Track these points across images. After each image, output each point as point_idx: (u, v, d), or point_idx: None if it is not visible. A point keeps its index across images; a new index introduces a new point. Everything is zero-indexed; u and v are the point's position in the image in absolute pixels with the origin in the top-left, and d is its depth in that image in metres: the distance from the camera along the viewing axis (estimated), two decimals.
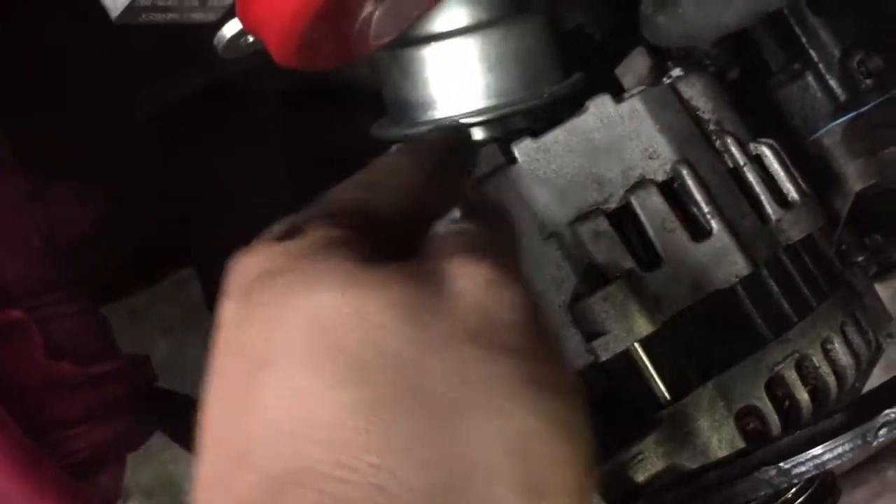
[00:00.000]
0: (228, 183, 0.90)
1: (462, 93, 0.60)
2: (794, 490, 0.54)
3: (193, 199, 0.90)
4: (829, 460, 0.41)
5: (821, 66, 0.74)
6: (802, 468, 0.41)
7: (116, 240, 0.79)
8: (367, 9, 0.51)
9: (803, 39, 0.74)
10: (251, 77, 0.85)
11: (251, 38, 0.53)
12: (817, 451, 0.41)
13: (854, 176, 0.74)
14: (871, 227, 0.78)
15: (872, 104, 0.71)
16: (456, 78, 0.60)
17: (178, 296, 1.43)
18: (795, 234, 0.55)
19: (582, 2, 0.72)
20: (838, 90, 0.74)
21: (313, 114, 0.93)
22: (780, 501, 0.54)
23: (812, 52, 0.73)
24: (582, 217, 0.52)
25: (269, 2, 0.45)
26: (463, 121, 0.60)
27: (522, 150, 0.54)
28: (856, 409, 0.41)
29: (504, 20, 0.60)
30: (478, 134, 0.61)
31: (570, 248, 0.52)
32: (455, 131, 0.57)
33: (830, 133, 0.74)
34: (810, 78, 0.74)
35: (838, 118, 0.74)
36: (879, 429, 0.39)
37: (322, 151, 0.94)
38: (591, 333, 0.50)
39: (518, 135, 0.58)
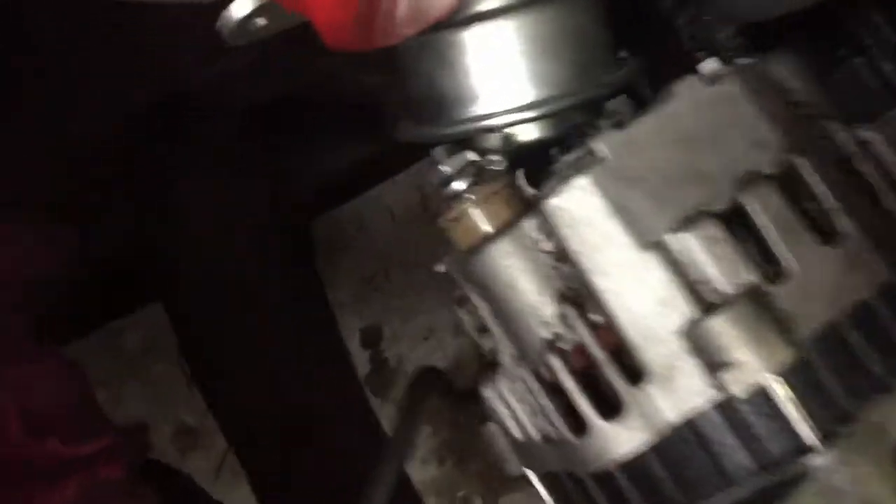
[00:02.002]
0: (191, 208, 0.81)
1: (509, 84, 0.51)
2: None
3: (155, 228, 0.82)
4: None
5: (874, 50, 0.67)
6: None
7: (80, 278, 0.68)
8: None
9: (849, 22, 0.67)
10: (216, 92, 0.78)
11: (261, 21, 0.44)
12: None
13: None
14: None
15: None
16: (501, 66, 0.51)
17: (114, 346, 1.34)
18: None
19: None
20: (893, 74, 0.67)
21: (273, 134, 0.85)
22: None
23: (863, 36, 0.67)
24: (688, 222, 0.43)
25: None
26: (515, 117, 0.51)
27: (609, 143, 0.45)
28: None
29: None
30: (529, 133, 0.52)
31: (676, 262, 0.43)
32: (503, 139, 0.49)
33: (891, 124, 0.67)
34: (858, 63, 0.68)
35: None
36: None
37: (281, 173, 0.87)
38: (717, 363, 0.41)
39: (574, 131, 0.50)
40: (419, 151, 0.54)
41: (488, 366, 0.52)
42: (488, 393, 0.51)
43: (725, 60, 0.49)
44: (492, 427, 0.53)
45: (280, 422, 0.83)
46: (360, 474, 0.52)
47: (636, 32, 0.55)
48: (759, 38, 0.67)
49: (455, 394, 0.59)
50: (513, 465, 0.52)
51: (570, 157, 0.47)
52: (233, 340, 0.83)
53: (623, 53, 0.54)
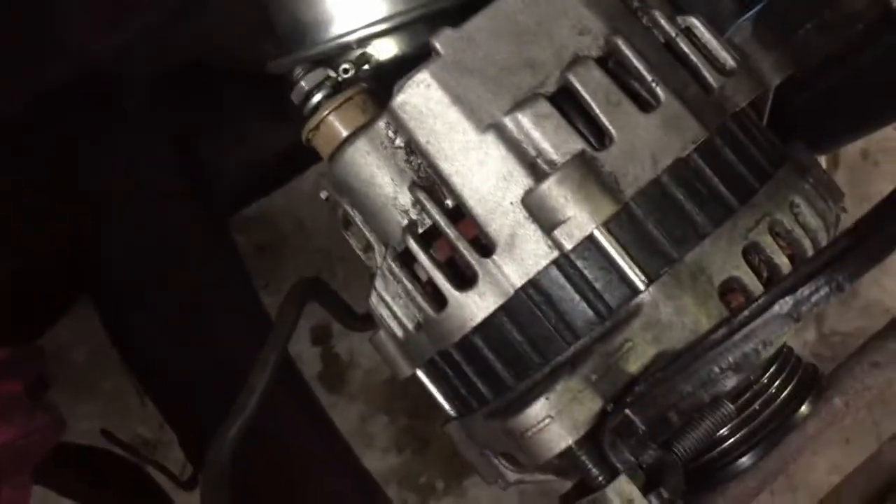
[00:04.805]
0: (111, 183, 0.82)
1: (360, 3, 0.55)
2: (776, 384, 0.51)
3: (79, 213, 0.82)
4: (842, 281, 0.37)
5: None
6: (820, 293, 0.37)
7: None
8: None
9: None
10: (123, 63, 0.78)
11: None
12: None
13: (771, 70, 0.72)
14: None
15: None
16: None
17: (60, 364, 1.34)
18: (741, 99, 0.51)
19: None
20: None
21: (180, 100, 0.86)
22: (764, 396, 0.51)
23: None
24: (520, 104, 0.47)
25: None
26: (366, 32, 0.54)
27: (443, 40, 0.48)
28: (863, 227, 0.37)
29: None
30: (385, 49, 0.56)
31: (512, 139, 0.47)
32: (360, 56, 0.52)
33: (740, 30, 0.72)
34: None
35: (745, 14, 0.72)
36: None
37: (188, 139, 0.88)
38: (551, 224, 0.45)
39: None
40: None
41: (371, 279, 0.55)
42: (372, 300, 0.54)
43: None
44: (381, 335, 0.56)
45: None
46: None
47: None
48: None
49: (348, 312, 0.62)
50: (403, 367, 0.55)
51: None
52: (153, 305, 0.83)
53: None
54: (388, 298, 0.53)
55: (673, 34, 0.52)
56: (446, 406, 0.55)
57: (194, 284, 0.85)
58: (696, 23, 0.53)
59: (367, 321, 0.61)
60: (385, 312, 0.54)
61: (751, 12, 0.72)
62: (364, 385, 1.65)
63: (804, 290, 0.37)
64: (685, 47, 0.52)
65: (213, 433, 0.62)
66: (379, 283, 0.53)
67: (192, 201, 0.86)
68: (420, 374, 0.55)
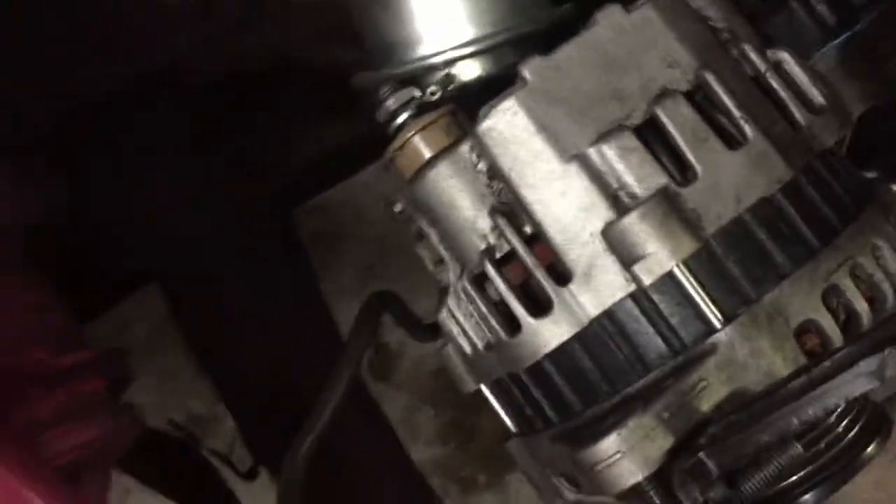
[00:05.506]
0: (147, 191, 0.84)
1: (448, 25, 0.55)
2: (844, 424, 0.50)
3: (112, 214, 0.84)
4: None
5: None
6: None
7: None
8: None
9: None
10: (183, 65, 0.80)
11: None
12: None
13: (854, 99, 0.71)
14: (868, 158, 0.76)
15: (867, 19, 0.68)
16: (440, 9, 0.55)
17: (120, 339, 1.38)
18: (828, 138, 0.51)
19: None
20: (826, 14, 0.71)
21: (225, 113, 0.88)
22: (831, 436, 0.50)
23: None
24: (605, 135, 0.48)
25: None
26: (454, 55, 0.55)
27: (532, 69, 0.49)
28: None
29: None
30: (471, 70, 0.56)
31: (595, 170, 0.47)
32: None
33: (825, 58, 0.71)
34: (795, 6, 0.71)
35: (831, 41, 0.71)
36: None
37: (233, 151, 0.90)
38: (631, 258, 0.46)
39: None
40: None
41: (442, 293, 0.56)
42: (442, 315, 0.55)
43: None
44: (448, 349, 0.57)
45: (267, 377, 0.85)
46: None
47: None
48: None
49: (417, 325, 0.63)
50: (468, 383, 0.56)
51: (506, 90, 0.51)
52: (213, 306, 0.86)
53: None
54: (459, 316, 0.54)
55: (762, 69, 0.52)
56: (509, 423, 0.55)
57: (256, 277, 0.87)
58: (786, 57, 0.53)
59: (435, 332, 0.62)
60: (455, 329, 0.55)
61: (837, 40, 0.71)
62: (411, 376, 1.66)
63: (893, 352, 0.37)
64: (774, 83, 0.51)
65: (274, 427, 0.64)
66: (451, 301, 0.54)
67: (249, 196, 0.87)
68: (485, 390, 0.56)
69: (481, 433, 1.59)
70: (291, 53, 0.82)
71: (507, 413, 0.55)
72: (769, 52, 0.53)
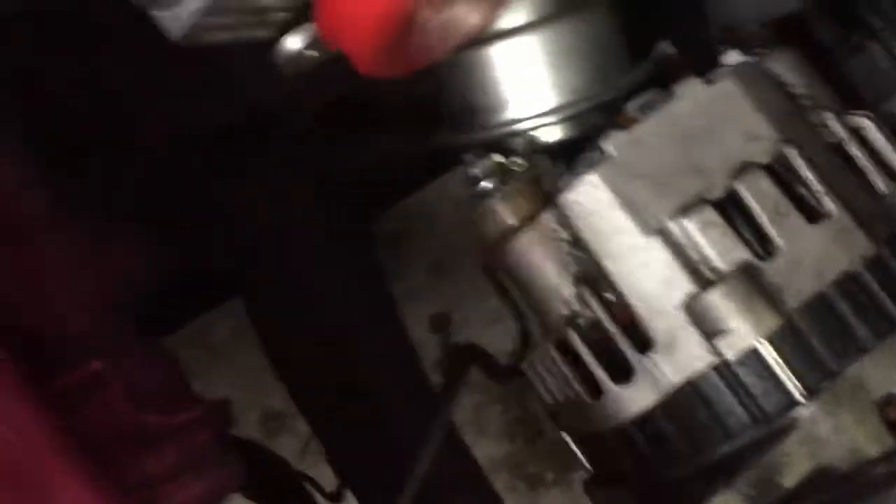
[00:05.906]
0: (261, 215, 0.87)
1: (533, 92, 0.57)
2: None
3: (228, 231, 0.88)
4: None
5: (885, 34, 0.71)
6: None
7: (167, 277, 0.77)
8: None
9: (861, 10, 0.71)
10: (283, 105, 0.83)
11: (313, 52, 0.51)
12: None
13: None
14: None
15: None
16: (525, 77, 0.57)
17: (202, 338, 1.43)
18: None
19: None
20: None
21: (336, 136, 0.91)
22: None
23: (873, 21, 0.70)
24: (686, 209, 0.49)
25: (354, 5, 0.42)
26: (537, 122, 0.57)
27: (614, 142, 0.51)
28: None
29: (569, 12, 0.57)
30: (552, 135, 0.58)
31: (676, 244, 0.49)
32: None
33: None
34: (874, 48, 0.71)
35: None
36: None
37: (345, 174, 0.93)
38: (713, 332, 0.47)
39: (595, 132, 0.55)
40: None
41: (523, 345, 0.58)
42: (525, 367, 0.58)
43: (748, 52, 0.54)
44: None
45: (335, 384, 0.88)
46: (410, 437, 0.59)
47: (662, 29, 0.60)
48: (783, 30, 0.71)
49: (497, 369, 0.66)
50: (548, 422, 0.59)
51: (585, 156, 0.53)
52: (299, 328, 0.89)
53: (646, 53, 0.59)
54: (542, 371, 0.56)
55: (843, 137, 0.52)
56: (590, 468, 0.58)
57: (337, 278, 0.90)
58: (867, 124, 0.53)
59: (514, 373, 0.65)
60: (537, 380, 0.57)
61: None
62: (480, 374, 1.69)
63: None
64: (856, 151, 0.52)
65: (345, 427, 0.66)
66: (535, 357, 0.56)
67: (331, 213, 0.90)
68: (567, 438, 0.58)
69: (548, 431, 1.62)
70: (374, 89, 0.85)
71: (587, 460, 0.58)
72: (850, 119, 0.54)
